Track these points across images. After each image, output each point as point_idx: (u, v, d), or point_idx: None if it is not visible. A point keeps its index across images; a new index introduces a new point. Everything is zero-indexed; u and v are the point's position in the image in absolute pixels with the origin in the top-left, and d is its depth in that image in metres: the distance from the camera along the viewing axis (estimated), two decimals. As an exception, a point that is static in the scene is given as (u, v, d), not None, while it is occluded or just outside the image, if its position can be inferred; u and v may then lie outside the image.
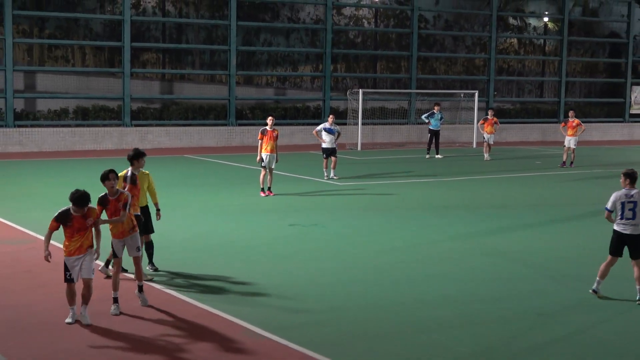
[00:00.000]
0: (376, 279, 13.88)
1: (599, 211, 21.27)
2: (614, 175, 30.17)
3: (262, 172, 23.15)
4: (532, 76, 56.08)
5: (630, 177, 12.91)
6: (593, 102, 51.57)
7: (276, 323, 11.29)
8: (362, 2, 51.55)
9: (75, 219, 11.14)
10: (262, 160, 22.98)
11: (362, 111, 38.42)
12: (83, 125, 36.18)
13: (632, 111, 49.78)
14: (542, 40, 57.23)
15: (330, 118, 27.19)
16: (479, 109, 42.03)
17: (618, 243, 12.83)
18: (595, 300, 12.84)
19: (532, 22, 57.53)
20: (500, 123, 40.02)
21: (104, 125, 36.55)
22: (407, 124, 42.49)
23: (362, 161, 31.60)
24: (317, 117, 40.62)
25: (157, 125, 37.60)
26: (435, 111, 34.55)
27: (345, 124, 37.35)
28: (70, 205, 11.17)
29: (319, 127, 27.07)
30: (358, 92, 38.66)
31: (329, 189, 24.28)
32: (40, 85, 42.36)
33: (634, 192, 12.77)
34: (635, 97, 49.72)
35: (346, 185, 25.17)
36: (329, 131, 26.54)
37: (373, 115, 41.79)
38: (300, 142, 39.07)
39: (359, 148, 36.29)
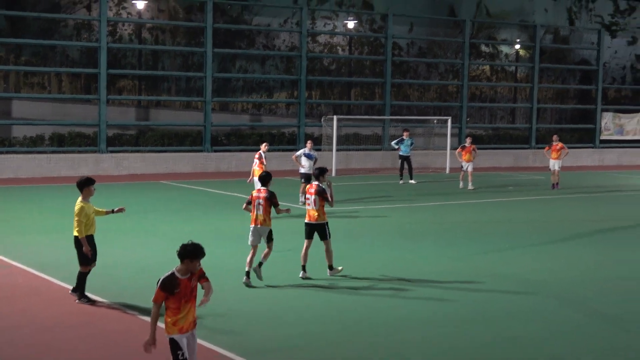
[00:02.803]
0: (352, 303, 14.03)
1: (581, 233, 21.60)
2: (590, 198, 30.58)
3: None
4: (504, 102, 56.68)
5: None
6: (564, 128, 52.14)
7: (252, 348, 11.39)
8: (336, 30, 52.04)
9: (183, 284, 8.97)
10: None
11: (337, 137, 38.65)
12: (59, 152, 36.14)
13: (603, 137, 50.35)
14: (513, 67, 57.97)
15: (309, 143, 27.50)
16: (452, 135, 42.40)
17: None
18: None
19: (504, 49, 58.32)
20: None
21: (80, 152, 36.52)
22: (381, 150, 42.77)
23: (336, 187, 31.60)
24: (292, 143, 40.82)
25: (132, 151, 37.61)
26: (404, 137, 34.75)
27: (320, 150, 37.58)
28: (174, 268, 9.04)
29: (298, 152, 27.36)
30: (332, 118, 38.90)
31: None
32: (16, 111, 42.34)
33: None
34: (605, 123, 50.32)
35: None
36: (308, 156, 26.82)
37: (347, 142, 42.05)
38: (275, 167, 39.21)
39: (333, 174, 36.53)
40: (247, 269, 15.34)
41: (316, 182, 16.07)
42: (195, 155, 38.55)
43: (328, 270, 16.12)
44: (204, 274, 9.22)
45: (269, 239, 15.50)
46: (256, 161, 24.80)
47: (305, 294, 14.72)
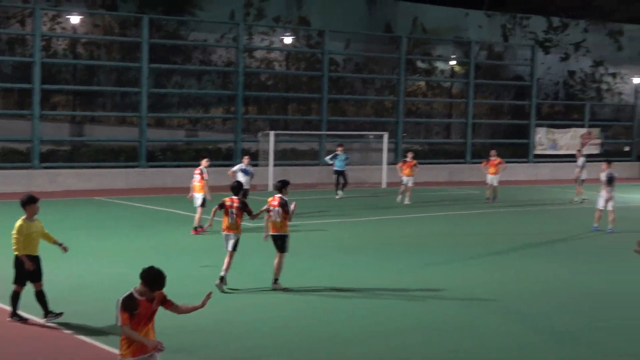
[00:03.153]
0: (293, 317, 14.12)
1: (520, 246, 21.97)
2: (526, 212, 31.11)
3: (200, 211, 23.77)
4: (440, 118, 57.38)
5: None
6: (499, 143, 52.93)
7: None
8: (273, 46, 52.17)
9: (142, 306, 8.72)
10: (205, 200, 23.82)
11: (274, 153, 38.72)
12: (-9, 168, 35.56)
13: (536, 152, 51.25)
14: (449, 83, 58.75)
15: (246, 159, 27.55)
16: (388, 150, 42.78)
17: None
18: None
19: (440, 65, 59.05)
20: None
21: (13, 168, 36.01)
22: (318, 165, 42.94)
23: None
24: (228, 158, 40.74)
25: (67, 167, 37.20)
26: (339, 152, 34.97)
27: (256, 165, 37.59)
28: (132, 288, 8.84)
29: (235, 168, 27.38)
30: (269, 133, 38.99)
31: (246, 231, 24.37)
32: (-53, 127, 41.50)
33: None
34: (539, 138, 51.25)
35: (258, 226, 25.30)
36: (245, 172, 26.87)
37: (284, 157, 42.15)
38: (212, 183, 38.98)
39: (269, 189, 36.57)
40: (222, 273, 16.06)
41: (279, 195, 16.42)
42: (131, 171, 38.27)
43: (273, 283, 16.31)
44: (166, 297, 8.91)
45: (235, 248, 16.21)
46: (197, 176, 24.65)
47: (247, 309, 14.74)
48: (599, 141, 53.62)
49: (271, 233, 16.35)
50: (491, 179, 34.84)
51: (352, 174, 39.35)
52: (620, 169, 52.56)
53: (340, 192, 34.70)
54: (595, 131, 53.72)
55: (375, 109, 53.87)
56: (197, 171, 24.66)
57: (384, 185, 40.58)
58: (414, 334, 13.24)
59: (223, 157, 41.12)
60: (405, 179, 33.01)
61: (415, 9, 60.49)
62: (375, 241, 23.14)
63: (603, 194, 25.41)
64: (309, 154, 44.46)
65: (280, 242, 16.30)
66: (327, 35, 45.29)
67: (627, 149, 56.76)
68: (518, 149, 51.46)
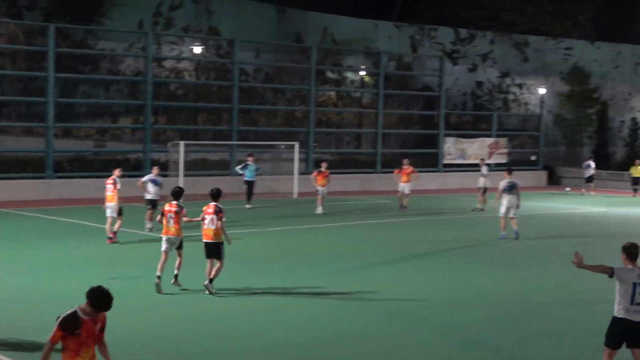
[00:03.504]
0: (205, 327, 14.12)
1: (433, 254, 22.34)
2: (437, 220, 31.62)
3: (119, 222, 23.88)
4: (351, 128, 57.91)
5: (633, 253, 10.82)
6: (408, 152, 53.64)
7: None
8: (182, 55, 51.94)
9: (86, 325, 8.31)
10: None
11: (184, 163, 38.52)
12: None
13: (445, 161, 52.15)
14: (359, 94, 59.35)
15: (156, 169, 27.36)
16: (299, 160, 43.00)
17: (624, 333, 10.66)
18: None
19: (350, 76, 59.64)
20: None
21: None
22: (229, 175, 42.87)
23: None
24: (137, 169, 40.30)
25: (-30, 179, 36.36)
26: (249, 162, 34.99)
27: (166, 175, 37.31)
28: (77, 306, 8.40)
29: (144, 178, 27.16)
30: (179, 144, 38.78)
31: (151, 240, 24.24)
32: None
33: None
34: (448, 147, 52.17)
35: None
36: (154, 182, 26.67)
37: (195, 167, 41.94)
38: (121, 193, 38.59)
39: (181, 199, 36.30)
40: (158, 273, 16.68)
41: (214, 203, 16.84)
42: (37, 182, 37.62)
43: (207, 282, 16.58)
44: (104, 325, 8.50)
45: (180, 247, 17.17)
46: (110, 186, 24.36)
47: (156, 320, 14.69)
48: (506, 150, 54.83)
49: (206, 241, 16.72)
50: (403, 187, 35.36)
51: (263, 183, 39.44)
52: (527, 177, 53.97)
53: (247, 205, 34.58)
54: (503, 141, 54.94)
55: (286, 119, 54.08)
56: (110, 181, 24.40)
57: (295, 195, 40.75)
58: (321, 344, 13.38)
59: (132, 168, 40.66)
60: (320, 189, 33.09)
61: (325, 20, 61.00)
62: (291, 250, 23.27)
63: (504, 202, 26.10)
64: (219, 164, 44.36)
65: (216, 250, 16.62)
66: (237, 45, 45.32)
67: (533, 158, 58.19)
68: (427, 159, 52.21)
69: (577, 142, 65.97)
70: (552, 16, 70.19)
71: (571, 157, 65.40)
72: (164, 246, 17.15)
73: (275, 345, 13.09)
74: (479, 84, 66.47)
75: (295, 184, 41.23)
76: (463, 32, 65.74)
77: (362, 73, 58.27)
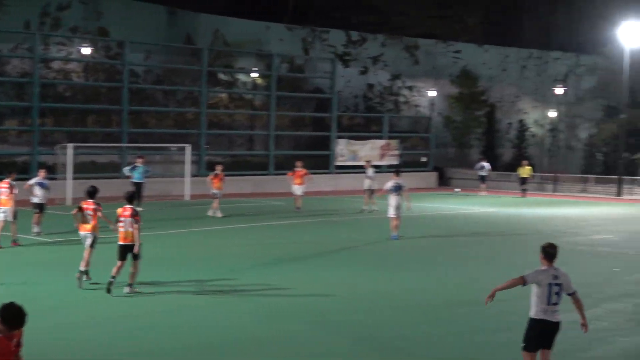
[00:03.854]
0: (99, 333, 14.00)
1: (329, 254, 22.53)
2: (330, 222, 31.91)
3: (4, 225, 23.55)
4: (243, 130, 57.86)
5: (550, 254, 11.09)
6: (301, 154, 53.92)
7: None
8: (71, 56, 51.04)
9: (1, 343, 7.72)
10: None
11: (72, 166, 37.87)
12: None
13: (337, 163, 52.67)
14: (251, 95, 59.37)
15: (42, 172, 26.87)
16: (191, 162, 42.79)
17: (542, 334, 10.76)
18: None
19: (242, 77, 59.60)
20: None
21: None
22: (119, 178, 42.32)
23: (70, 216, 30.96)
24: (24, 172, 39.40)
25: None
26: (138, 164, 34.60)
27: (54, 179, 36.62)
28: None
29: (31, 181, 26.64)
30: (67, 146, 38.12)
31: (38, 245, 23.85)
32: None
33: (558, 271, 10.96)
34: (340, 149, 52.69)
35: (55, 240, 24.82)
36: (41, 185, 26.19)
37: (84, 170, 41.26)
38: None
39: (69, 202, 35.77)
40: (82, 269, 17.41)
41: (130, 205, 16.94)
42: None
43: (127, 287, 16.82)
44: (20, 342, 7.96)
45: (92, 245, 17.50)
46: (5, 190, 23.77)
47: (49, 327, 14.48)
48: (397, 152, 55.73)
49: (121, 243, 16.87)
50: (296, 189, 35.61)
51: (154, 186, 39.12)
52: (418, 178, 55.00)
53: (139, 208, 34.13)
54: (394, 142, 55.83)
55: (177, 121, 53.71)
56: (5, 185, 23.85)
57: (187, 198, 40.53)
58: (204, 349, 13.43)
59: (19, 171, 39.73)
60: (216, 192, 32.83)
61: (217, 22, 60.81)
62: (185, 253, 23.16)
63: (392, 202, 26.59)
64: (109, 167, 43.75)
65: (132, 252, 16.78)
66: (126, 47, 44.83)
67: (424, 159, 59.28)
68: (320, 160, 52.61)
69: (466, 144, 67.53)
70: (442, 20, 71.71)
71: (460, 158, 66.92)
72: (83, 241, 17.91)
73: (162, 350, 13.09)
74: (370, 86, 67.33)
75: (187, 186, 40.99)
76: (354, 35, 66.51)
77: (254, 75, 58.33)
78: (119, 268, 16.77)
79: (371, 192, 36.23)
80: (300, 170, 36.04)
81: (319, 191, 47.93)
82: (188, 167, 42.01)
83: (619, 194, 49.04)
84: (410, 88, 69.01)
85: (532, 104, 74.54)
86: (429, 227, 30.38)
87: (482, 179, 50.04)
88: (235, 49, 58.50)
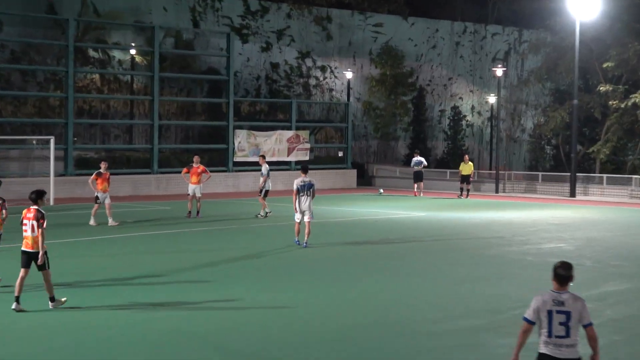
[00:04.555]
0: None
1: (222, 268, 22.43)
2: (231, 230, 31.79)
3: None
4: (120, 119, 57.25)
5: (559, 275, 10.65)
6: (191, 148, 53.65)
7: None
8: None
9: None
10: None
11: None
12: None
13: (237, 158, 52.36)
14: (129, 77, 58.75)
15: None
16: (56, 158, 42.11)
17: None
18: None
19: (118, 55, 58.98)
20: (86, 175, 40.55)
21: None
22: (-33, 178, 41.49)
23: None
24: None
25: None
26: None
27: None
28: None
29: None
30: None
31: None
32: None
33: (564, 296, 10.50)
34: (239, 142, 52.46)
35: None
36: None
37: None
38: None
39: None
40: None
41: (35, 207, 17.06)
42: None
43: (50, 302, 17.01)
44: None
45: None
46: None
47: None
48: (308, 146, 55.86)
49: (25, 249, 17.03)
50: (193, 189, 35.25)
51: (11, 188, 38.33)
52: (333, 177, 55.33)
53: None
54: (304, 134, 55.94)
55: (39, 108, 52.89)
56: None
57: (51, 202, 39.82)
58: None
59: None
60: (101, 194, 32.18)
61: (86, -14, 60.13)
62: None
63: (299, 205, 26.74)
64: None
65: (36, 260, 16.86)
66: (-26, 15, 43.96)
67: (340, 154, 59.58)
68: (215, 156, 52.43)
69: (392, 135, 68.26)
70: (360, -14, 72.32)
71: (384, 152, 67.58)
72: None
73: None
74: (275, 66, 67.38)
75: (52, 188, 40.34)
76: (254, 4, 66.41)
77: (133, 52, 57.78)
78: (22, 279, 16.92)
79: (266, 193, 36.11)
80: (197, 166, 35.76)
81: (213, 193, 47.72)
82: (52, 165, 41.36)
83: (572, 194, 49.93)
84: (322, 68, 69.35)
85: (468, 88, 75.80)
86: (345, 235, 30.48)
87: (418, 177, 50.48)
88: (108, 21, 57.78)
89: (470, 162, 49.83)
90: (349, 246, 27.89)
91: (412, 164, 51.33)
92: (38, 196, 17.55)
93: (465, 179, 49.43)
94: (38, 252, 16.96)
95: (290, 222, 28.53)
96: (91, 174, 33.32)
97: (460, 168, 49.91)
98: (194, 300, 18.79)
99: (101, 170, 32.60)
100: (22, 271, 17.10)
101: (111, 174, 43.26)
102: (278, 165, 53.77)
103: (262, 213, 36.01)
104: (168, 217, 35.70)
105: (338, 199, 44.82)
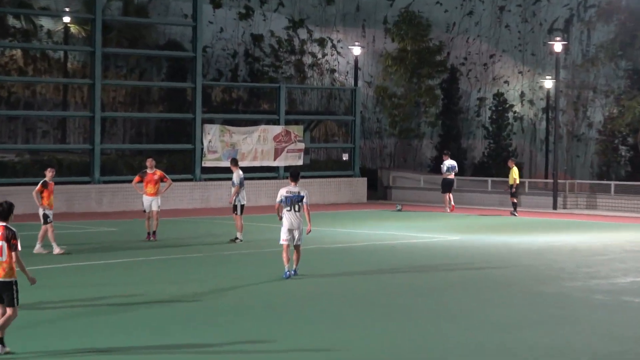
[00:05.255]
0: None
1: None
2: (195, 258, 31.83)
3: None
4: (49, 109, 57.15)
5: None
6: (146, 150, 53.56)
7: None
8: None
9: None
10: None
11: None
12: None
13: (206, 163, 51.92)
14: (62, 53, 58.71)
15: None
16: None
17: None
18: None
19: (46, 24, 59.04)
20: (3, 186, 40.55)
21: None
22: None
23: None
24: None
25: None
26: None
27: None
28: None
29: None
30: None
31: None
32: None
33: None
34: (210, 141, 52.05)
35: None
36: None
37: None
38: None
39: None
40: None
41: (3, 223, 16.96)
42: None
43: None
44: None
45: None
46: None
47: None
48: (302, 146, 55.63)
49: None
50: (149, 202, 34.97)
51: None
52: (335, 188, 55.19)
53: None
54: (297, 130, 55.75)
55: None
56: None
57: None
58: None
59: None
60: (47, 211, 32.16)
61: None
62: None
63: (286, 221, 26.69)
64: None
65: (8, 292, 16.92)
66: None
67: (345, 157, 59.35)
68: (178, 160, 52.27)
69: (414, 132, 68.18)
70: None
71: (404, 154, 67.61)
72: None
73: None
74: (257, 38, 67.41)
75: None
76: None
77: (67, 20, 57.86)
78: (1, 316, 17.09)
79: (241, 208, 35.91)
80: (153, 172, 35.50)
81: (175, 209, 47.69)
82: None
83: (656, 210, 50.14)
84: (321, 42, 69.42)
85: (516, 68, 75.78)
86: (352, 265, 30.42)
87: (448, 186, 50.40)
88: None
89: (514, 168, 49.44)
90: (358, 278, 27.90)
91: (445, 169, 50.97)
92: (9, 210, 17.38)
93: (513, 190, 49.12)
94: (8, 282, 16.94)
95: (275, 249, 28.57)
96: (7, 184, 33.30)
97: (511, 176, 49.19)
98: (153, 345, 18.85)
99: (47, 180, 32.54)
100: None
101: (34, 184, 43.37)
102: (262, 172, 53.69)
103: (239, 236, 35.90)
104: (114, 242, 35.67)
105: (343, 218, 44.84)
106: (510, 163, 50.21)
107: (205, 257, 32.94)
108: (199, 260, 32.20)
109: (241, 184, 36.08)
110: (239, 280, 27.59)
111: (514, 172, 49.32)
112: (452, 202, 50.37)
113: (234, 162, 37.61)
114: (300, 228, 26.78)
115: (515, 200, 49.40)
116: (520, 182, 50.10)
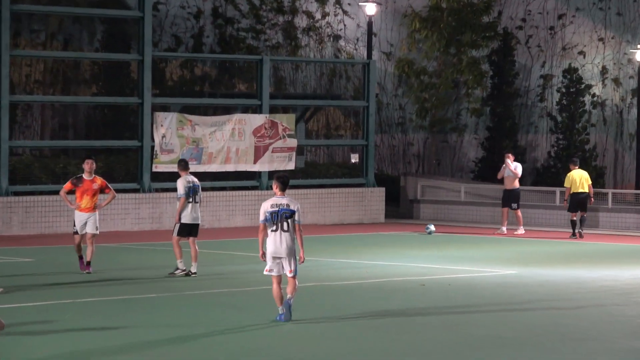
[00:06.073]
0: None
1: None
2: (151, 299, 32.04)
3: None
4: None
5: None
6: (74, 148, 53.79)
7: None
8: None
9: None
10: None
11: None
12: None
13: (159, 167, 51.70)
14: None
15: None
16: None
17: None
18: None
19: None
20: None
21: None
22: None
23: None
24: None
25: None
26: None
27: None
28: None
29: None
30: None
31: None
32: None
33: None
34: (164, 135, 52.10)
35: None
36: None
37: None
38: None
39: None
40: None
41: None
42: None
43: None
44: None
45: None
46: None
47: None
48: (294, 143, 55.73)
49: None
50: (84, 220, 34.86)
51: None
52: (342, 202, 55.43)
53: None
54: (286, 120, 55.94)
55: None
56: None
57: None
58: None
59: None
60: None
61: None
62: None
63: (270, 245, 26.62)
64: None
65: None
66: None
67: (355, 159, 59.44)
68: (118, 162, 52.46)
69: (451, 123, 68.36)
70: None
71: (438, 154, 67.87)
72: None
73: None
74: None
75: None
76: None
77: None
78: None
79: (191, 229, 35.51)
80: (91, 179, 35.35)
81: (116, 232, 47.93)
82: None
83: None
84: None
85: (596, 34, 76.05)
86: (368, 306, 30.52)
87: (513, 198, 50.59)
88: None
89: (583, 172, 49.49)
90: (374, 324, 28.03)
91: (509, 171, 51.00)
92: None
93: (579, 201, 49.17)
94: None
95: (265, 286, 28.78)
96: None
97: (569, 180, 49.40)
98: None
99: None
100: None
101: None
102: (237, 179, 53.93)
103: (179, 266, 35.66)
104: (30, 276, 35.89)
105: (353, 243, 45.18)
106: (572, 166, 50.18)
107: (163, 297, 33.08)
108: (151, 301, 32.37)
109: (189, 195, 35.01)
110: (210, 330, 27.75)
111: (582, 176, 49.33)
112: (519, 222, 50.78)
113: (183, 165, 36.25)
114: (293, 255, 26.44)
115: (574, 217, 49.57)
116: (590, 188, 50.12)
